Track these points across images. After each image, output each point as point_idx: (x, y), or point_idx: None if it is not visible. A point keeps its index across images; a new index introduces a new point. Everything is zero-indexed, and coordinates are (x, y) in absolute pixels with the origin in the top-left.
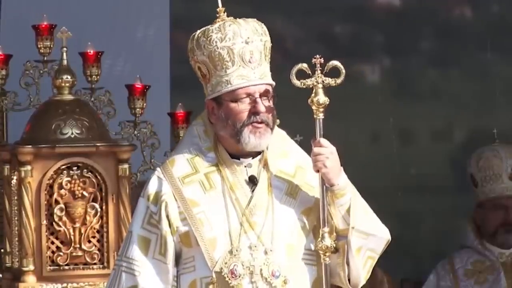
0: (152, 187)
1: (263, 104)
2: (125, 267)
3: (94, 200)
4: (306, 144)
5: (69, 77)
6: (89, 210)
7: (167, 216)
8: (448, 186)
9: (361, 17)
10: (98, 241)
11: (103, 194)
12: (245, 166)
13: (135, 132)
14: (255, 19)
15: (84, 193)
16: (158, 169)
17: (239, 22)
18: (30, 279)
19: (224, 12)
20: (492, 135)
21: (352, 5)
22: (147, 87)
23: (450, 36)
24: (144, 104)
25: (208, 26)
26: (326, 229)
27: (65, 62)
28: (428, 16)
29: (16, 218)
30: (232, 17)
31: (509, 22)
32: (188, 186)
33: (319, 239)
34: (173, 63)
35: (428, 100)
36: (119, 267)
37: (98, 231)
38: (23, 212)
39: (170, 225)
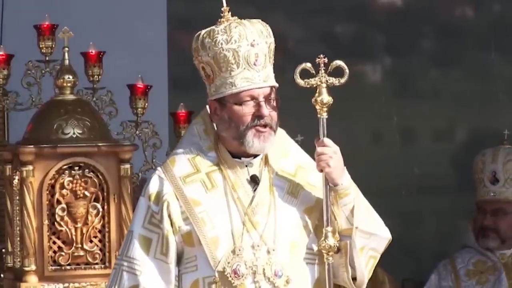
0: (153, 187)
1: (267, 107)
2: (126, 266)
3: (96, 200)
4: (308, 144)
5: (70, 77)
6: (90, 210)
7: (169, 216)
8: (450, 186)
9: (363, 17)
10: (99, 241)
11: (105, 194)
12: (246, 166)
13: (137, 132)
14: (260, 20)
15: (86, 193)
16: (159, 168)
17: (244, 24)
18: (32, 279)
19: (228, 12)
20: (502, 136)
21: (354, 5)
22: (148, 87)
23: (452, 35)
24: (146, 104)
25: (213, 27)
26: (330, 228)
27: (66, 62)
28: (430, 16)
29: (17, 218)
30: (236, 17)
31: (510, 21)
32: (190, 185)
33: (322, 238)
34: (171, 63)
35: (429, 100)
36: (120, 267)
37: (99, 231)
38: (24, 212)
39: (172, 224)
